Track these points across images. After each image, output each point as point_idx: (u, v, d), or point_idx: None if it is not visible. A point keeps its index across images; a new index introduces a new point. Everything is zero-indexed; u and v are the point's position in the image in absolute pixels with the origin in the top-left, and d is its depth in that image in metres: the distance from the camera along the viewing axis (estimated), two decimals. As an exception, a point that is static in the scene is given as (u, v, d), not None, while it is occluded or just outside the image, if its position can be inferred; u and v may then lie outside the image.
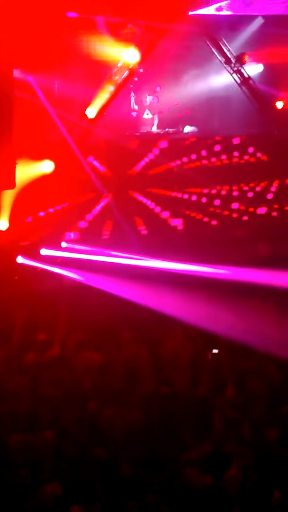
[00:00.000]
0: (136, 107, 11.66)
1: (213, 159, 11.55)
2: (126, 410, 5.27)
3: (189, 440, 5.12)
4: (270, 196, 11.71)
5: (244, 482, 4.28)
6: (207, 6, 10.48)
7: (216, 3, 10.46)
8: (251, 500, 4.10)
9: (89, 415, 5.23)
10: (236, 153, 11.67)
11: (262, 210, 11.56)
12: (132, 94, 11.55)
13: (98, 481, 4.15)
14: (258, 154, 11.68)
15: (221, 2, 10.48)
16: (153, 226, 10.98)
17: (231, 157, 11.63)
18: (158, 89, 11.59)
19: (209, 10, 10.48)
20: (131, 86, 11.33)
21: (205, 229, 11.20)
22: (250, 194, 11.66)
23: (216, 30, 11.10)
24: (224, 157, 11.61)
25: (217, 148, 11.53)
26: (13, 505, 3.90)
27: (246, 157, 11.67)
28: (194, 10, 10.38)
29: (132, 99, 11.63)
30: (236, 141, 11.61)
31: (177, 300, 8.12)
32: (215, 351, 6.77)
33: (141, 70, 10.90)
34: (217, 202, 11.51)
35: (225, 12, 10.59)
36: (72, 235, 10.13)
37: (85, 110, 10.35)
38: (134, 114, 11.70)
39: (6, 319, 7.40)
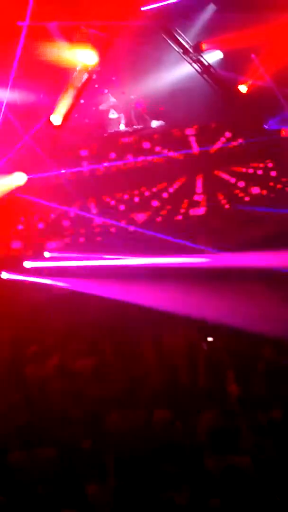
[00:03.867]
0: (103, 106, 11.63)
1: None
2: (130, 412, 5.22)
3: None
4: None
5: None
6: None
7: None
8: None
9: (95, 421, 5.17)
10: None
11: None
12: (107, 91, 11.50)
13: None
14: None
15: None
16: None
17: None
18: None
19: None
20: (95, 86, 11.30)
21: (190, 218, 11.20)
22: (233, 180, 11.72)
23: (169, 22, 11.09)
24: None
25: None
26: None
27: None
28: (146, 5, 10.35)
29: (106, 100, 11.60)
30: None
31: (168, 294, 8.12)
32: (210, 339, 6.78)
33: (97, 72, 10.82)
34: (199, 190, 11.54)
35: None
36: (53, 244, 10.08)
37: (49, 117, 10.28)
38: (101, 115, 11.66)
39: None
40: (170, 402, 5.49)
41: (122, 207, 11.12)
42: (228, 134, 11.73)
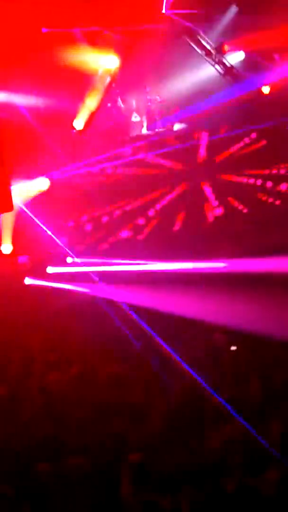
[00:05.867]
0: (123, 110, 11.63)
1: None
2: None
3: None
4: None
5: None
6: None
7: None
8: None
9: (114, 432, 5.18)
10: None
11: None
12: (119, 99, 11.52)
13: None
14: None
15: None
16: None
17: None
18: (148, 89, 11.53)
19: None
20: (117, 91, 11.31)
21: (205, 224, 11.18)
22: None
23: (191, 25, 11.06)
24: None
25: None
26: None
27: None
28: (168, 9, 10.34)
29: (120, 103, 11.60)
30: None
31: (192, 300, 8.08)
32: (233, 348, 6.73)
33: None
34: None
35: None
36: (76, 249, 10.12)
37: (73, 122, 10.35)
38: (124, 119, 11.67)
39: (23, 343, 7.38)
40: (193, 412, 5.49)
41: (148, 211, 11.17)
42: (252, 135, 11.67)
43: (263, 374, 6.44)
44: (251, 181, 11.68)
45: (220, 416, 5.32)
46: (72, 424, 5.32)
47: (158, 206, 11.37)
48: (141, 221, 11.17)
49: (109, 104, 11.14)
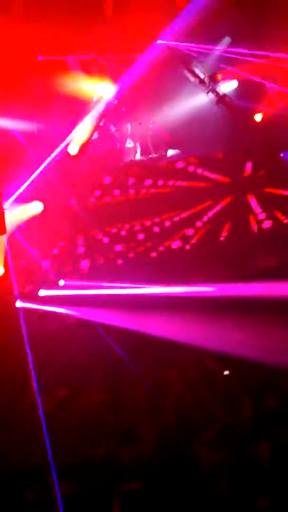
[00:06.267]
0: (117, 136, 11.77)
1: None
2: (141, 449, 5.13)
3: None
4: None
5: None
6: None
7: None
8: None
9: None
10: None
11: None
12: (112, 126, 11.66)
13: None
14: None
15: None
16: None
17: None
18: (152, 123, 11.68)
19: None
20: (109, 117, 11.45)
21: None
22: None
23: (185, 54, 11.27)
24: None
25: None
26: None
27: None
28: (163, 38, 10.55)
29: (113, 130, 11.73)
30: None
31: (185, 324, 8.04)
32: (226, 372, 6.68)
33: (116, 102, 11.03)
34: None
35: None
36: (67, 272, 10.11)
37: (67, 148, 10.45)
38: (118, 144, 11.79)
39: (15, 364, 7.30)
40: (183, 436, 5.40)
41: (139, 237, 11.19)
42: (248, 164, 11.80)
43: (254, 399, 6.38)
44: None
45: (212, 438, 5.24)
46: (62, 448, 5.22)
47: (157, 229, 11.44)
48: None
49: (112, 128, 11.30)
